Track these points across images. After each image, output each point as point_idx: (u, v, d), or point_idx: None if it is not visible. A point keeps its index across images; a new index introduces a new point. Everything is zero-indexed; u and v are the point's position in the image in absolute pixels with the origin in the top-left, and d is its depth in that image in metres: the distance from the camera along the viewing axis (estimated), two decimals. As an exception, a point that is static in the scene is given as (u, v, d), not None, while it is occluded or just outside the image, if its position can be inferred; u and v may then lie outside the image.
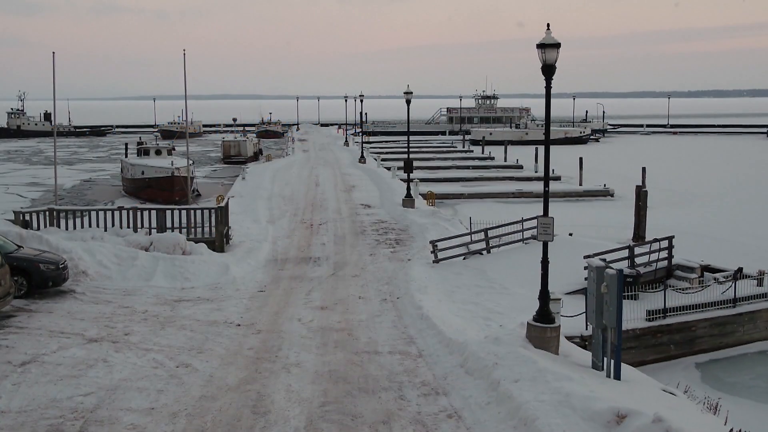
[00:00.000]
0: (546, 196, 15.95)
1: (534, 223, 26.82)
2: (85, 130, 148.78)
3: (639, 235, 34.29)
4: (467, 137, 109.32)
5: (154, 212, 28.12)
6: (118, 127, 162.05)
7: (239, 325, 19.00)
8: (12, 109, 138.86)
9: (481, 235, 26.86)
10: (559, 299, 16.50)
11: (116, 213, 27.96)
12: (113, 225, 27.70)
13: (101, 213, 27.96)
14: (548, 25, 15.03)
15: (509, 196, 51.77)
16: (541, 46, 14.98)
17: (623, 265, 21.88)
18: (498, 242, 26.19)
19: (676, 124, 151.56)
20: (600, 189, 53.16)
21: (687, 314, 19.74)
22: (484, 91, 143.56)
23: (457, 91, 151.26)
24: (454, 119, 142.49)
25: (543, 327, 15.27)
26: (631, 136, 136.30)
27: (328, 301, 21.56)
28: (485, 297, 21.04)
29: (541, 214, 27.29)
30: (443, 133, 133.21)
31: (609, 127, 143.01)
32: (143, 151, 54.94)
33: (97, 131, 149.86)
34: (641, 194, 34.49)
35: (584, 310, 18.69)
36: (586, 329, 18.48)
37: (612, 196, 52.30)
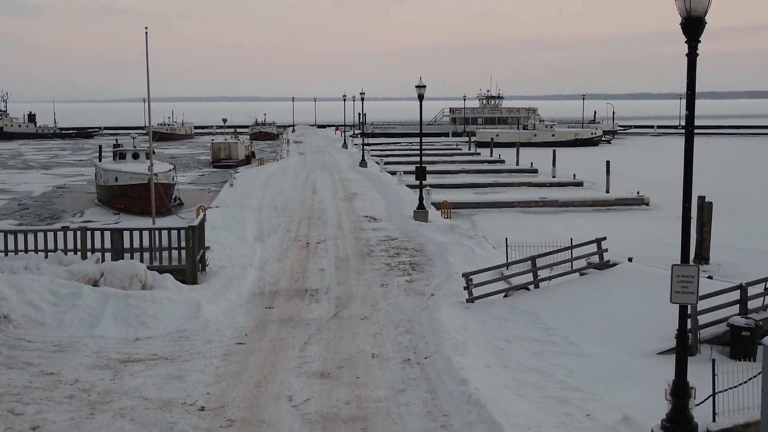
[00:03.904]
0: (686, 229, 10.12)
1: (592, 248, 20.96)
2: (71, 131, 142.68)
3: (702, 256, 28.49)
4: (473, 139, 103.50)
5: (108, 233, 22.19)
6: (106, 128, 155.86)
7: (203, 409, 13.15)
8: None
9: (518, 261, 21.09)
10: (692, 388, 10.74)
11: (60, 234, 22.09)
12: (56, 250, 21.84)
13: (41, 234, 22.05)
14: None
15: (532, 204, 45.87)
16: (684, -13, 9.18)
17: (732, 311, 16.07)
18: (549, 273, 20.31)
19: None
20: (633, 197, 47.21)
21: None
22: (488, 91, 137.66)
23: (458, 92, 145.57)
24: (457, 120, 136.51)
25: (682, 443, 9.45)
26: (642, 138, 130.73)
27: (330, 362, 15.72)
28: (549, 359, 15.16)
29: (601, 236, 21.53)
30: (446, 135, 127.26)
31: (619, 128, 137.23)
32: (119, 155, 49.00)
33: (84, 133, 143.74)
34: (704, 206, 28.66)
35: (710, 394, 12.85)
36: (713, 420, 12.64)
37: (647, 204, 46.44)
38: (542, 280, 20.16)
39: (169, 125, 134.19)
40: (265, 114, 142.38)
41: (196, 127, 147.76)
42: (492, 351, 15.86)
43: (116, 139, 63.57)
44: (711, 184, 50.57)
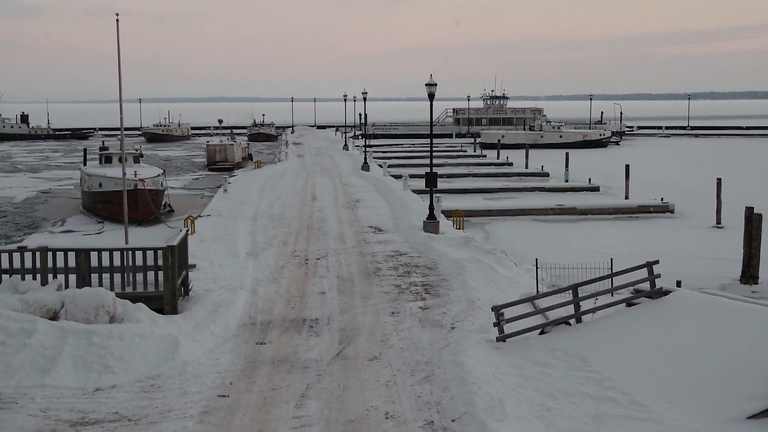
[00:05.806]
0: None
1: (642, 273, 17.68)
2: (65, 132, 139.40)
3: (750, 275, 25.31)
4: (478, 140, 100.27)
5: (72, 254, 18.99)
6: (101, 129, 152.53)
7: (167, 505, 9.96)
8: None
9: (558, 291, 17.92)
10: None
11: (16, 255, 18.89)
12: (11, 274, 18.65)
13: (-6, 256, 18.85)
14: None
15: (548, 212, 42.60)
16: None
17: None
18: (593, 304, 17.08)
19: (697, 126, 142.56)
20: (657, 204, 43.83)
21: None
22: (492, 91, 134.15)
23: (461, 93, 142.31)
24: (461, 121, 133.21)
25: None
26: (650, 139, 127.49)
27: (333, 426, 12.57)
28: (612, 426, 11.97)
29: (653, 260, 18.27)
30: (450, 136, 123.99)
31: (627, 129, 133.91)
32: (105, 158, 45.78)
33: (79, 134, 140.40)
34: (753, 218, 25.49)
35: None
36: None
37: (672, 212, 43.18)
38: (584, 312, 16.96)
39: (165, 126, 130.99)
40: (263, 114, 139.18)
41: (193, 128, 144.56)
42: (536, 412, 12.66)
43: (102, 142, 60.22)
44: (742, 189, 47.30)
